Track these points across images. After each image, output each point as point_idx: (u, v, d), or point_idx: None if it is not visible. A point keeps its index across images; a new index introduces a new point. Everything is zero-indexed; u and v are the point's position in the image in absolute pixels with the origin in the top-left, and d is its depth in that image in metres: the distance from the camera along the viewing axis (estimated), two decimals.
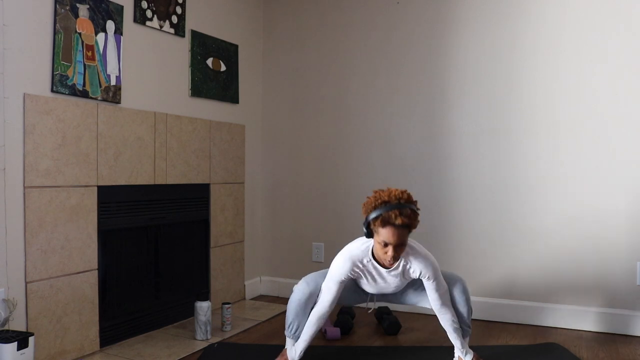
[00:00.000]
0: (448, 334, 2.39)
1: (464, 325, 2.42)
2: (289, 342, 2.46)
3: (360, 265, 2.30)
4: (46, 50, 2.41)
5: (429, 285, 2.32)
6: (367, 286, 2.42)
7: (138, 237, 2.94)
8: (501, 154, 3.24)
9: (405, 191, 2.16)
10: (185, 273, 3.26)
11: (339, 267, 2.31)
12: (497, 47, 3.24)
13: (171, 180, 3.09)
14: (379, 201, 2.11)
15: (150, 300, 3.03)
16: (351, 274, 2.31)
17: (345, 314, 3.08)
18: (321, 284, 2.40)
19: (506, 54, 3.22)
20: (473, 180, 3.31)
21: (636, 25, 2.93)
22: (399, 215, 2.07)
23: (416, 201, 2.18)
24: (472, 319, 3.26)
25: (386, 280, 2.35)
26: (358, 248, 2.31)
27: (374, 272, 2.32)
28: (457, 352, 2.40)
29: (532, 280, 3.17)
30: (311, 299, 2.40)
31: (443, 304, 2.35)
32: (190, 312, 3.24)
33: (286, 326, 2.44)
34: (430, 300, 2.36)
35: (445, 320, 2.37)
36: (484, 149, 3.28)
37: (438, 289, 2.32)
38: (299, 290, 2.41)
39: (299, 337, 2.41)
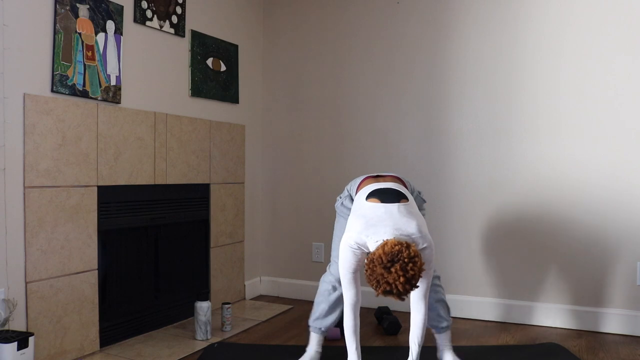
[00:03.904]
0: (410, 335, 2.21)
1: (446, 320, 2.45)
2: (313, 337, 2.51)
3: (361, 249, 2.15)
4: (46, 50, 2.42)
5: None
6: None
7: (138, 237, 2.94)
8: (501, 154, 3.24)
9: (410, 269, 1.92)
10: (185, 273, 3.26)
11: (345, 260, 2.18)
12: (499, 46, 3.24)
13: (171, 180, 3.09)
14: (381, 289, 1.96)
15: (150, 300, 3.03)
16: (359, 258, 2.18)
17: None
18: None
19: (508, 52, 3.22)
20: (473, 179, 3.31)
21: (637, 24, 2.93)
22: (400, 298, 1.97)
23: (419, 257, 1.96)
24: (473, 319, 3.27)
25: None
26: (357, 237, 2.13)
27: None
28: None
29: (532, 280, 3.17)
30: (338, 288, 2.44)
31: (423, 297, 2.18)
32: (190, 312, 3.24)
33: (313, 317, 2.51)
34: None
35: (416, 321, 2.20)
36: (484, 149, 3.28)
37: (423, 281, 2.15)
38: (326, 281, 2.49)
39: (322, 328, 2.47)
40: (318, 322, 2.52)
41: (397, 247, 1.94)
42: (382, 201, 2.19)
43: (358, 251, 2.15)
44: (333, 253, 2.52)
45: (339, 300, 2.53)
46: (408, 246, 1.96)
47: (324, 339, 2.57)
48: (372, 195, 2.23)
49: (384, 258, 1.93)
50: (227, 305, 3.00)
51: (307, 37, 3.79)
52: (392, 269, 1.91)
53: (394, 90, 3.52)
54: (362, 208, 2.21)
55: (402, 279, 1.91)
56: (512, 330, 3.05)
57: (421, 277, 2.01)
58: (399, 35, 3.50)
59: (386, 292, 1.95)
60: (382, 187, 2.28)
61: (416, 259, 1.94)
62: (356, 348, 2.23)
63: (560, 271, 3.11)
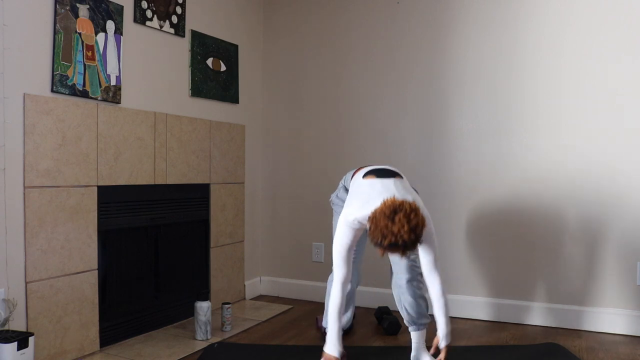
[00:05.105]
0: (435, 309, 2.28)
1: (427, 317, 2.48)
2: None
3: (361, 225, 2.19)
4: (46, 50, 2.41)
5: (421, 247, 2.23)
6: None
7: (138, 237, 2.94)
8: (502, 154, 3.24)
9: (413, 218, 1.95)
10: (185, 273, 3.26)
11: (342, 236, 2.21)
12: (499, 46, 3.24)
13: (171, 180, 3.09)
14: (387, 241, 1.96)
15: (150, 300, 3.03)
16: (355, 234, 2.23)
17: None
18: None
19: (508, 52, 3.21)
20: (474, 180, 3.31)
21: (637, 24, 2.93)
22: (405, 252, 2.01)
23: (419, 210, 2.00)
24: (473, 319, 3.28)
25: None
26: (356, 212, 2.18)
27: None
28: (439, 332, 2.30)
29: (531, 280, 3.17)
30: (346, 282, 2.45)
31: (433, 269, 2.24)
32: (190, 312, 3.24)
33: (326, 319, 2.57)
34: (422, 265, 2.28)
35: (435, 292, 2.25)
36: (484, 149, 3.28)
37: (429, 252, 2.22)
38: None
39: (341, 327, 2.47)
40: None
41: (397, 202, 1.99)
42: (378, 177, 2.26)
43: (357, 227, 2.18)
44: None
45: (349, 298, 2.56)
46: (407, 201, 2.00)
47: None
48: (368, 174, 2.31)
49: (386, 211, 1.96)
50: (227, 305, 3.00)
51: (307, 37, 3.79)
52: (396, 218, 1.93)
53: (394, 90, 3.52)
54: (361, 186, 2.27)
55: (406, 227, 1.92)
56: (512, 330, 3.05)
57: (421, 243, 2.04)
58: (399, 35, 3.50)
59: (392, 246, 1.95)
60: (377, 167, 2.38)
61: (417, 211, 1.97)
62: (339, 329, 2.23)
63: (561, 271, 3.11)
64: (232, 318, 3.10)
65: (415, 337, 2.50)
